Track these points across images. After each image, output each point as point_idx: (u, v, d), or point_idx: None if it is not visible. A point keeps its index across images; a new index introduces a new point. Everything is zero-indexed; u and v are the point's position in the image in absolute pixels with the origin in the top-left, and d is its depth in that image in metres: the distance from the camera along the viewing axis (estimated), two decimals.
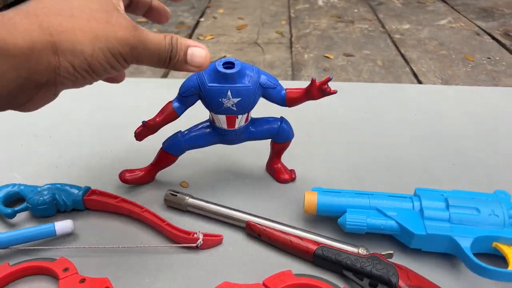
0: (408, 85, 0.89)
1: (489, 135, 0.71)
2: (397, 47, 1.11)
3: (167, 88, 0.78)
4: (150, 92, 0.84)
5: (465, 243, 0.44)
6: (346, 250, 0.45)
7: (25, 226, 0.52)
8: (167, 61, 0.38)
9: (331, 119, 0.74)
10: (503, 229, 0.45)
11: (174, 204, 0.54)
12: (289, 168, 0.60)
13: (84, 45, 0.32)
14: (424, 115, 0.76)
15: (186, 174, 0.60)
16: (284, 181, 0.59)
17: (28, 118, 0.61)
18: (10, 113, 0.39)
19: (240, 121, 0.52)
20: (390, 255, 0.45)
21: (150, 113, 0.52)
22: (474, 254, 0.45)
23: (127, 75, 0.49)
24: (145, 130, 0.52)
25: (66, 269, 0.44)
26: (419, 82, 0.93)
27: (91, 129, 0.72)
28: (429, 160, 0.64)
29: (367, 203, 0.49)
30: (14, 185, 0.55)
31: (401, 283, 0.42)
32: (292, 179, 0.59)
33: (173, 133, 0.55)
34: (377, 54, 1.06)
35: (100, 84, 0.41)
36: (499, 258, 0.46)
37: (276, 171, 0.59)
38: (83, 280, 0.43)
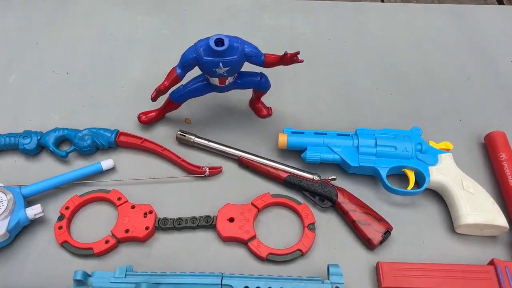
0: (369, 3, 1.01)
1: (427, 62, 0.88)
2: None
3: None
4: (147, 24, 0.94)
5: (383, 172, 0.67)
6: (306, 178, 0.68)
7: (75, 162, 0.72)
8: None
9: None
10: (410, 160, 0.68)
11: (184, 142, 0.73)
12: (267, 105, 0.78)
13: None
14: (377, 39, 0.91)
15: (189, 112, 0.78)
16: (263, 117, 0.78)
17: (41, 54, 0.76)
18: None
19: (229, 80, 0.68)
20: (334, 179, 0.68)
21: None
22: (389, 175, 0.68)
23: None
24: (158, 93, 0.68)
25: (119, 198, 0.66)
26: None
27: (99, 64, 0.86)
28: (374, 91, 0.83)
29: (321, 142, 0.70)
30: (59, 129, 0.72)
31: (339, 199, 0.66)
32: (269, 115, 0.78)
33: (177, 87, 0.71)
34: None
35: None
36: (406, 178, 0.69)
37: (257, 109, 0.78)
38: (133, 207, 0.65)
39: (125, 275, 0.56)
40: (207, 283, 0.55)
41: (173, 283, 0.55)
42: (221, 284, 0.55)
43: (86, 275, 0.54)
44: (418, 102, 0.82)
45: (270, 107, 0.79)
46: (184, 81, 0.69)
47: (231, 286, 0.54)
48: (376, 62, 0.88)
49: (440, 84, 0.85)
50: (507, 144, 0.72)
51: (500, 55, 0.89)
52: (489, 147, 0.73)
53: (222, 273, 0.56)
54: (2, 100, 0.80)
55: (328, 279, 0.56)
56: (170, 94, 0.72)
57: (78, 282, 0.53)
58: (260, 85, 0.72)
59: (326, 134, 0.71)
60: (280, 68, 0.67)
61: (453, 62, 0.89)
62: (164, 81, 0.67)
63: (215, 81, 0.68)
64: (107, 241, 0.62)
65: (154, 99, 0.68)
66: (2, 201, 0.61)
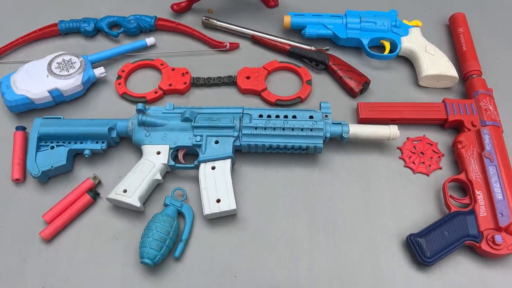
0: None
1: None
2: None
3: None
4: None
5: (365, 41, 0.86)
6: (305, 48, 0.87)
7: (124, 42, 0.91)
8: None
9: None
10: (386, 33, 0.87)
11: (208, 25, 0.93)
12: None
13: None
14: None
15: (211, 3, 0.96)
16: (271, 7, 0.96)
17: None
18: None
19: None
20: (327, 49, 0.88)
21: None
22: (371, 47, 0.88)
23: None
24: None
25: (162, 64, 0.86)
26: None
27: None
28: None
29: (317, 21, 0.89)
30: (110, 16, 0.92)
31: (330, 63, 0.85)
32: (276, 5, 0.97)
33: None
34: None
35: None
36: (383, 49, 0.88)
37: (266, 0, 0.96)
38: (173, 69, 0.85)
39: (173, 108, 0.77)
40: (233, 112, 0.75)
41: (208, 112, 0.76)
42: (243, 113, 0.75)
43: (145, 107, 0.75)
44: None
45: None
46: None
47: (250, 114, 0.75)
48: None
49: None
50: (465, 21, 0.90)
51: None
52: (451, 25, 0.92)
53: (243, 106, 0.77)
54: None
55: (320, 110, 0.76)
56: None
57: (139, 111, 0.74)
58: None
59: (321, 15, 0.90)
60: None
61: None
62: None
63: None
64: (155, 92, 0.83)
65: None
66: (76, 62, 0.82)
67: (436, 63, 0.83)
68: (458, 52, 0.87)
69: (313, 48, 0.88)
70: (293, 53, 0.88)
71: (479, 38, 0.89)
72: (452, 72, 0.82)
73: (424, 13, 0.96)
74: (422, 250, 0.65)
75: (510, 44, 0.92)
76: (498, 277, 0.66)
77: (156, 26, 0.92)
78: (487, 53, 0.88)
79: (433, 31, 0.93)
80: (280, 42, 0.89)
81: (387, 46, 0.87)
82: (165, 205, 0.70)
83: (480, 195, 0.69)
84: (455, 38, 0.90)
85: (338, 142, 0.77)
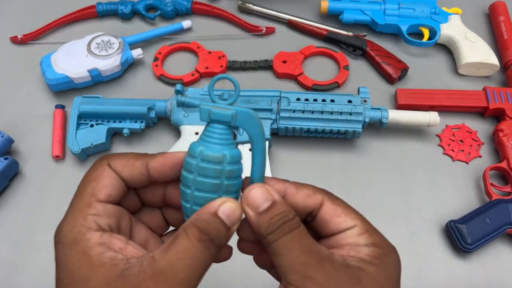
0: None
1: None
2: None
3: None
4: None
5: (404, 28, 0.85)
6: (342, 33, 0.87)
7: (160, 24, 0.92)
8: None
9: None
10: (425, 20, 0.86)
11: (244, 9, 0.92)
12: None
13: None
14: None
15: None
16: None
17: None
18: None
19: None
20: (365, 35, 0.87)
21: None
22: (409, 33, 0.87)
23: None
24: None
25: (198, 47, 0.87)
26: None
27: None
28: None
29: (355, 6, 0.88)
30: None
31: (368, 48, 0.85)
32: None
33: None
34: None
35: None
36: (421, 37, 0.87)
37: None
38: (209, 52, 0.86)
39: None
40: (271, 95, 0.75)
41: (245, 95, 0.76)
42: (280, 96, 0.75)
43: (183, 89, 0.76)
44: None
45: None
46: None
47: (287, 97, 0.75)
48: None
49: None
50: (506, 10, 0.88)
51: None
52: (491, 13, 0.90)
53: (280, 90, 0.76)
54: None
55: (358, 95, 0.76)
56: None
57: (178, 92, 0.75)
58: None
59: (359, 1, 0.89)
60: None
61: None
62: None
63: None
64: (192, 74, 0.83)
65: None
66: (114, 43, 0.82)
67: (476, 50, 0.81)
68: (499, 40, 0.86)
69: (350, 33, 0.87)
70: (330, 38, 0.87)
71: None
72: (494, 60, 0.81)
73: (462, 1, 0.94)
74: (462, 236, 0.64)
75: None
76: None
77: (192, 10, 0.92)
78: None
79: (472, 19, 0.91)
80: (317, 27, 0.88)
81: (426, 33, 0.86)
82: None
83: None
84: (495, 27, 0.88)
85: (374, 127, 0.76)
